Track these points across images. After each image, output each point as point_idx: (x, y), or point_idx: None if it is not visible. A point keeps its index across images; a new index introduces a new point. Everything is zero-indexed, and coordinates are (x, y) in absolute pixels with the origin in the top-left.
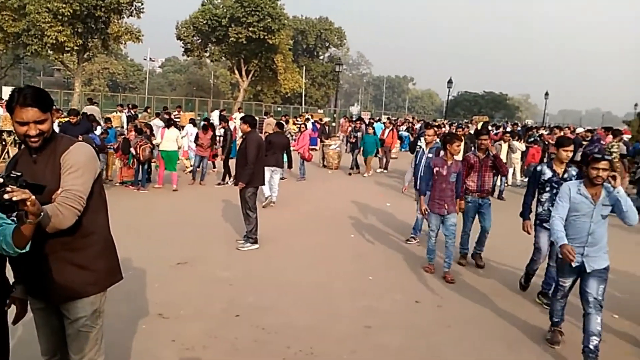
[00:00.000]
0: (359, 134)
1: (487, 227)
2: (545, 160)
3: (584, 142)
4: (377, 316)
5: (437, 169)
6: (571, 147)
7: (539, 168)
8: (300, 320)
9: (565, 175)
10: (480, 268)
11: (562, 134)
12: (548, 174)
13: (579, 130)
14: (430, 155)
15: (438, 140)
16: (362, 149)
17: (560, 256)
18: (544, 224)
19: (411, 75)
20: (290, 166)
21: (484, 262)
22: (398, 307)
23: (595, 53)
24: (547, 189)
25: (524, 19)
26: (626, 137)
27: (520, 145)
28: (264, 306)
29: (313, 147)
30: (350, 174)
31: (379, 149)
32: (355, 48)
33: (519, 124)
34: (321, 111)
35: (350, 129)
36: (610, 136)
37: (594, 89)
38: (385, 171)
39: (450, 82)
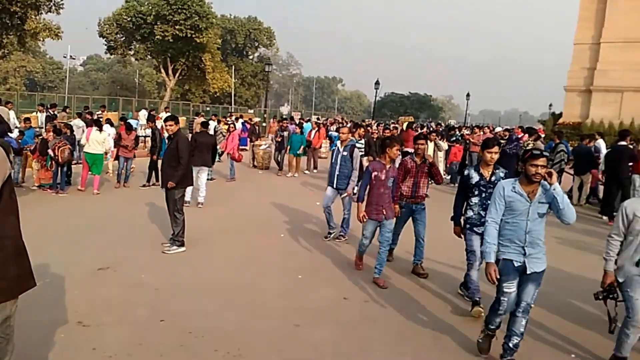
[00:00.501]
0: (285, 134)
1: (421, 233)
2: (466, 159)
3: (502, 141)
4: (306, 314)
5: (375, 173)
6: (496, 149)
7: (466, 172)
8: (228, 322)
9: (493, 178)
10: (424, 277)
11: (481, 133)
12: (475, 177)
13: (498, 129)
14: (345, 153)
15: (353, 138)
16: (289, 147)
17: (500, 258)
18: (474, 229)
19: (340, 76)
20: (213, 163)
21: (426, 272)
22: (327, 303)
23: (514, 56)
24: (476, 192)
25: (448, 24)
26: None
27: (444, 144)
28: (190, 310)
29: (243, 147)
30: (279, 175)
31: (304, 149)
32: (285, 48)
33: (443, 124)
34: (251, 111)
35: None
36: (526, 135)
37: (512, 90)
38: (315, 171)
39: (377, 83)
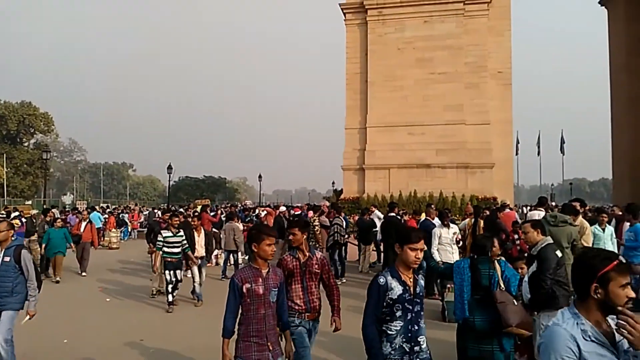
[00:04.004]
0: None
1: None
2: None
3: (291, 219)
4: None
5: (247, 286)
6: (422, 244)
7: (381, 281)
8: None
9: (418, 290)
10: None
11: (278, 212)
12: (397, 289)
13: (282, 208)
14: (7, 258)
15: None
16: (45, 245)
17: None
18: None
19: (130, 161)
20: None
21: None
22: None
23: (300, 138)
24: (399, 313)
25: (243, 107)
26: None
27: (239, 225)
28: None
29: None
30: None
31: (71, 245)
32: (66, 134)
33: (239, 205)
34: (29, 202)
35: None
36: (311, 212)
37: (300, 171)
38: (84, 274)
39: (170, 167)
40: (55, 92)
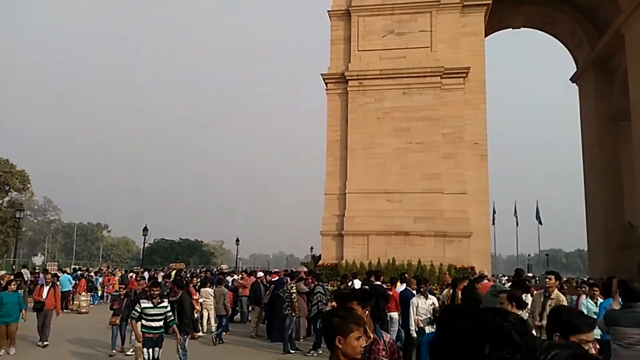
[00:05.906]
0: None
1: None
2: (237, 304)
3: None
4: None
5: None
6: (592, 335)
7: None
8: None
9: None
10: None
11: (254, 278)
12: None
13: (260, 274)
14: None
15: None
16: None
17: None
18: None
19: (106, 222)
20: None
21: None
22: None
23: (279, 203)
24: None
25: (222, 170)
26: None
27: (211, 291)
28: None
29: None
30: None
31: (23, 312)
32: (41, 193)
33: (214, 269)
34: None
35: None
36: (288, 278)
37: (280, 235)
38: (45, 343)
39: (145, 229)
40: (33, 149)
